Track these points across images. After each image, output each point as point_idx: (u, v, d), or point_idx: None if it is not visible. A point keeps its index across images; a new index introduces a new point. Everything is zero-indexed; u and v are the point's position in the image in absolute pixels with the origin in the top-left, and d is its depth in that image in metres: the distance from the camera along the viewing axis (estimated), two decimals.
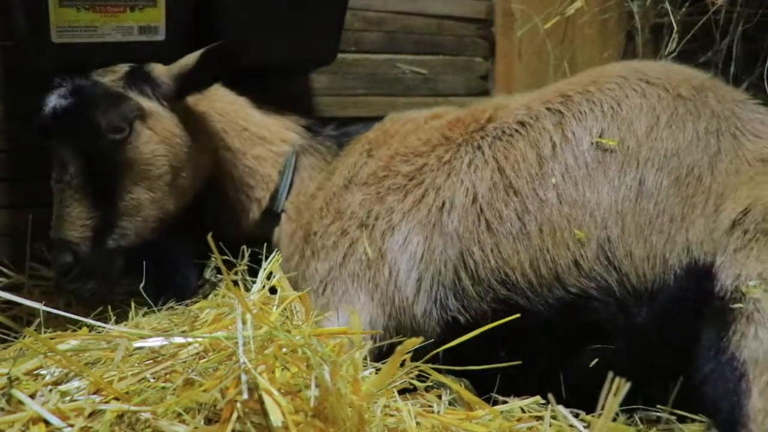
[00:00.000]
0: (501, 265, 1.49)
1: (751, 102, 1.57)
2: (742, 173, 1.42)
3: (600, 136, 1.49)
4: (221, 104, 1.86)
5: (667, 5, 2.32)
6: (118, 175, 1.63)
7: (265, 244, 1.75)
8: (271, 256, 1.53)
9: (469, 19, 2.51)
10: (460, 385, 1.37)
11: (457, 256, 1.53)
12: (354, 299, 1.63)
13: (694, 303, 1.36)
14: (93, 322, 1.33)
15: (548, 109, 1.59)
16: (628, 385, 1.05)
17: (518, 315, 1.38)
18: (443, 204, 1.59)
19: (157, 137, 1.67)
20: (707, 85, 1.56)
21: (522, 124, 1.61)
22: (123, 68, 1.71)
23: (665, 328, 1.40)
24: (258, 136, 1.87)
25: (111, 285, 1.70)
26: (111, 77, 1.70)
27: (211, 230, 1.57)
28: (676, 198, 1.42)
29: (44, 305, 1.33)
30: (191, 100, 1.79)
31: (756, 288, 1.25)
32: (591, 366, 1.41)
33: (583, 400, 1.43)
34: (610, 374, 1.07)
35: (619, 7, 2.57)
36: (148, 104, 1.68)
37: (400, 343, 1.35)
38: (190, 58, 1.68)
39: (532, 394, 1.44)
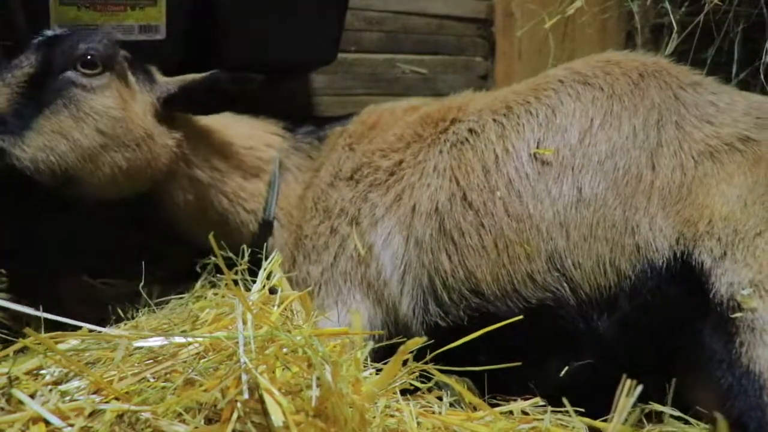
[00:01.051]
0: (468, 276, 1.50)
1: (709, 83, 1.53)
2: (688, 170, 1.39)
3: (537, 147, 1.50)
4: (203, 120, 1.79)
5: (667, 5, 2.32)
6: (61, 100, 1.54)
7: (266, 246, 1.75)
8: (272, 256, 1.53)
9: (469, 18, 2.52)
10: (463, 386, 1.37)
11: (430, 262, 1.54)
12: (349, 299, 1.63)
13: (660, 306, 1.37)
14: (92, 326, 1.32)
15: (494, 120, 1.60)
16: (641, 387, 1.05)
17: (521, 317, 1.38)
18: (414, 207, 1.60)
19: (120, 103, 1.60)
20: (650, 72, 1.53)
21: (472, 132, 1.61)
22: (131, 55, 1.68)
23: (630, 333, 1.40)
24: (244, 147, 1.83)
25: None
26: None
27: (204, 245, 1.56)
28: (615, 201, 1.41)
29: (41, 311, 1.33)
30: (184, 120, 1.74)
31: (750, 298, 1.25)
32: (561, 375, 1.43)
33: (571, 401, 1.44)
34: (624, 376, 1.07)
35: (619, 6, 2.57)
36: (132, 79, 1.65)
37: (401, 343, 1.35)
38: (197, 75, 1.66)
39: (522, 396, 1.45)
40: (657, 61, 1.59)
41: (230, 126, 1.85)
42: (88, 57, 1.56)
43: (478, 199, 1.51)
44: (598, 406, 1.43)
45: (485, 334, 1.34)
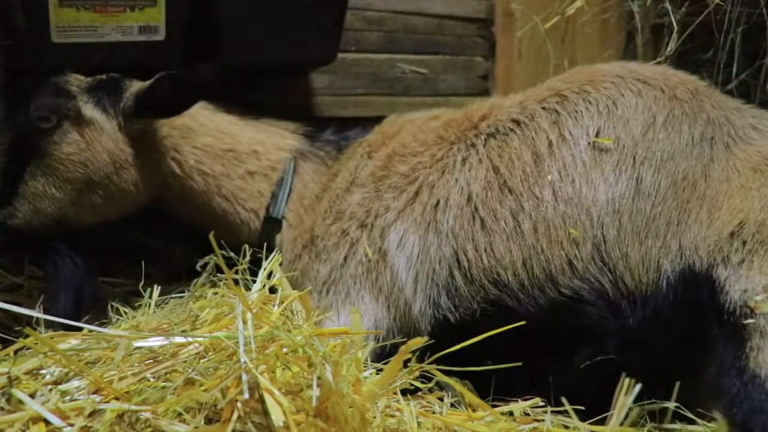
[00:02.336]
0: (494, 264, 1.48)
1: (746, 108, 1.57)
2: (732, 181, 1.41)
3: (596, 135, 1.49)
4: (201, 139, 1.81)
5: (667, 5, 2.32)
6: (32, 159, 1.65)
7: (266, 245, 1.74)
8: (272, 256, 1.53)
9: (470, 18, 2.51)
10: (464, 387, 1.37)
11: (451, 254, 1.52)
12: (357, 300, 1.62)
13: (689, 310, 1.36)
14: (92, 327, 1.33)
15: (544, 108, 1.59)
16: (639, 385, 1.04)
17: (524, 322, 1.37)
18: (437, 202, 1.58)
19: (83, 145, 1.66)
20: (702, 91, 1.56)
21: (517, 122, 1.60)
22: (104, 77, 1.72)
23: (657, 333, 1.39)
24: (247, 152, 1.85)
25: None
26: (81, 79, 1.70)
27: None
28: (673, 201, 1.41)
29: (41, 310, 1.34)
30: (163, 131, 1.76)
31: (764, 303, 1.24)
32: (581, 368, 1.41)
33: (573, 402, 1.44)
34: (623, 375, 1.07)
35: (619, 6, 2.57)
36: (93, 113, 1.67)
37: (402, 343, 1.35)
38: (145, 84, 1.67)
39: (523, 396, 1.44)
40: (704, 83, 1.62)
41: (234, 130, 1.87)
42: (40, 114, 1.63)
43: (522, 184, 1.50)
44: (604, 404, 1.43)
45: (495, 334, 1.34)
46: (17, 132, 1.66)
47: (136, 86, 1.71)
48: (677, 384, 1.37)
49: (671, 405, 1.34)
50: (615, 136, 1.48)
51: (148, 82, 1.67)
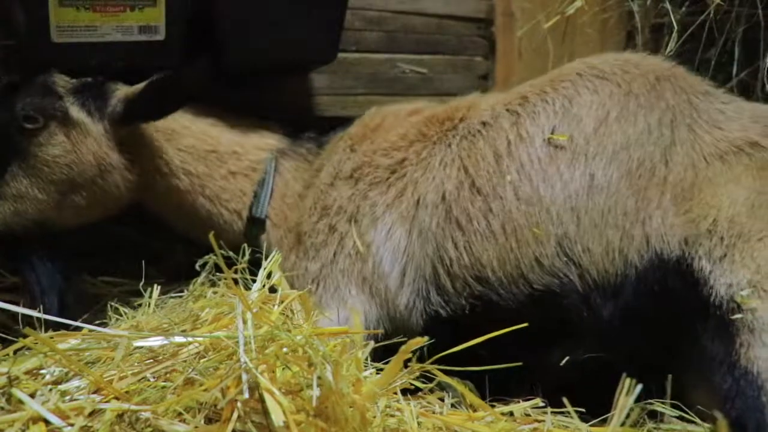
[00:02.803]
0: (474, 262, 1.51)
1: (718, 92, 1.57)
2: (699, 170, 1.42)
3: (552, 133, 1.52)
4: (185, 140, 1.81)
5: (667, 5, 2.32)
6: (14, 160, 1.60)
7: (249, 246, 1.74)
8: (271, 255, 1.53)
9: (470, 18, 2.51)
10: (466, 388, 1.37)
11: (434, 251, 1.56)
12: (345, 294, 1.64)
13: (660, 299, 1.38)
14: (92, 327, 1.33)
15: (507, 110, 1.63)
16: (641, 386, 1.05)
17: (526, 324, 1.37)
18: (419, 200, 1.62)
19: (69, 147, 1.63)
20: (666, 76, 1.56)
21: (484, 124, 1.65)
22: (89, 79, 1.70)
23: (632, 324, 1.41)
24: (228, 153, 1.85)
25: None
26: (66, 80, 1.68)
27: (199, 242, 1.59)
28: (628, 191, 1.43)
29: (41, 311, 1.34)
30: (146, 134, 1.76)
31: (750, 298, 1.25)
32: (561, 364, 1.44)
33: (570, 397, 1.44)
34: (624, 375, 1.07)
35: (619, 6, 2.57)
36: (79, 115, 1.65)
37: (400, 342, 1.35)
38: (139, 86, 1.66)
39: (516, 395, 1.46)
40: (673, 66, 1.62)
41: (216, 130, 1.86)
42: (26, 114, 1.60)
43: (487, 184, 1.54)
44: (597, 403, 1.43)
45: (486, 325, 1.35)
46: None
47: (122, 91, 1.69)
48: (669, 379, 1.38)
49: (669, 411, 1.34)
50: (569, 133, 1.51)
51: (137, 87, 1.66)
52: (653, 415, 1.43)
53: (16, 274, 1.80)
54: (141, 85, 1.66)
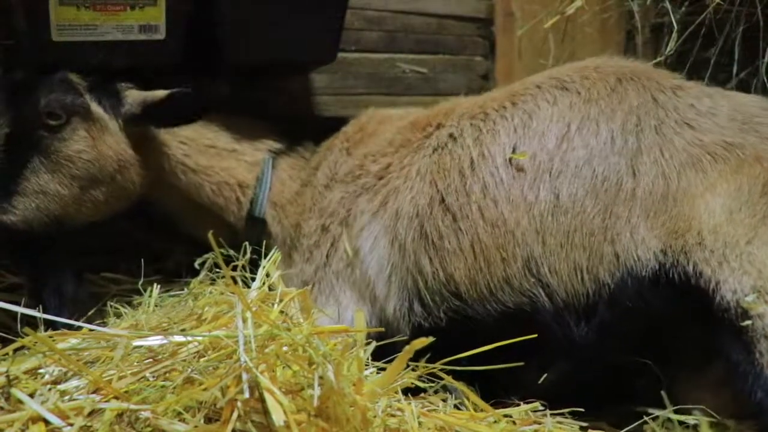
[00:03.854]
0: (448, 278, 1.50)
1: (691, 86, 1.51)
2: (671, 181, 1.36)
3: (513, 152, 1.49)
4: (184, 132, 1.83)
5: (667, 4, 2.32)
6: (35, 156, 1.61)
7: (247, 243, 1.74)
8: (271, 254, 1.53)
9: (470, 18, 2.51)
10: (471, 390, 1.37)
11: (413, 264, 1.54)
12: (341, 296, 1.64)
13: (639, 313, 1.35)
14: (91, 326, 1.33)
15: (471, 124, 1.60)
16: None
17: (535, 335, 1.36)
18: (397, 211, 1.60)
19: (91, 142, 1.66)
20: (628, 77, 1.51)
21: (451, 136, 1.62)
22: (103, 78, 1.72)
23: (609, 339, 1.39)
24: (227, 150, 1.87)
25: None
26: (81, 78, 1.70)
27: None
28: (594, 209, 1.39)
29: (40, 310, 1.34)
30: (152, 130, 1.78)
31: (756, 303, 1.24)
32: (540, 382, 1.42)
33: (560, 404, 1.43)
34: None
35: (619, 6, 2.57)
36: (99, 111, 1.68)
37: (402, 342, 1.34)
38: (159, 93, 1.68)
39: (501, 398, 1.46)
40: (635, 65, 1.58)
41: (216, 130, 1.88)
42: (51, 110, 1.61)
43: (455, 203, 1.51)
44: (584, 406, 1.43)
45: (466, 340, 1.34)
46: (15, 127, 1.63)
47: (137, 94, 1.72)
48: (665, 382, 1.38)
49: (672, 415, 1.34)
50: (531, 151, 1.47)
51: (157, 95, 1.68)
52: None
53: (17, 274, 1.80)
54: (161, 93, 1.68)
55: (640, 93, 1.47)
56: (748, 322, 1.23)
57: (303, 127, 2.02)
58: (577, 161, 1.42)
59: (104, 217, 1.78)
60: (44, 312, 1.46)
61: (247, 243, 1.61)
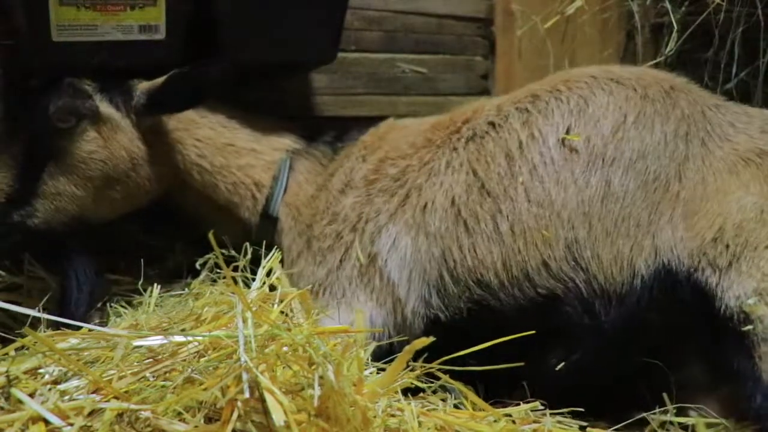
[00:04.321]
0: (477, 264, 1.50)
1: (727, 104, 1.57)
2: (708, 184, 1.41)
3: (567, 133, 1.50)
4: (201, 130, 1.84)
5: (667, 4, 2.32)
6: (51, 160, 1.66)
7: (264, 243, 1.74)
8: (271, 254, 1.53)
9: (469, 18, 2.51)
10: (469, 389, 1.37)
11: (440, 254, 1.54)
12: (353, 301, 1.63)
13: (667, 311, 1.37)
14: (91, 326, 1.33)
15: (517, 108, 1.61)
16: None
17: (533, 332, 1.36)
18: (426, 205, 1.60)
19: (101, 142, 1.69)
20: (679, 87, 1.56)
21: (492, 124, 1.62)
22: (116, 76, 1.73)
23: (633, 333, 1.40)
24: (246, 149, 1.88)
25: (1, 255, 1.72)
26: (92, 79, 1.72)
27: (223, 236, 1.62)
28: (642, 203, 1.41)
29: (40, 310, 1.34)
30: (169, 125, 1.80)
31: (757, 306, 1.24)
32: (557, 369, 1.42)
33: (565, 403, 1.44)
34: None
35: (619, 6, 2.57)
36: (109, 111, 1.70)
37: (403, 341, 1.34)
38: (160, 79, 1.70)
39: (503, 397, 1.46)
40: (685, 80, 1.63)
41: (235, 128, 1.89)
42: (60, 115, 1.64)
43: (498, 186, 1.52)
44: (589, 407, 1.43)
45: (482, 332, 1.34)
46: (30, 134, 1.67)
47: (145, 84, 1.73)
48: (673, 382, 1.38)
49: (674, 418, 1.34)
50: (585, 135, 1.48)
51: (160, 80, 1.69)
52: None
53: (17, 274, 1.80)
54: (162, 78, 1.69)
55: (690, 104, 1.52)
56: (750, 327, 1.23)
57: (323, 131, 2.02)
58: (632, 153, 1.45)
59: (125, 213, 1.81)
60: (68, 306, 1.59)
61: (247, 244, 1.61)
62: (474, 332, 1.38)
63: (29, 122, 1.68)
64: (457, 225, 1.54)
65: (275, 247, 1.77)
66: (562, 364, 1.43)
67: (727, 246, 1.32)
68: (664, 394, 1.39)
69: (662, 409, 1.40)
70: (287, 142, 1.94)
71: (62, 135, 1.66)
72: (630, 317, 1.39)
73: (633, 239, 1.39)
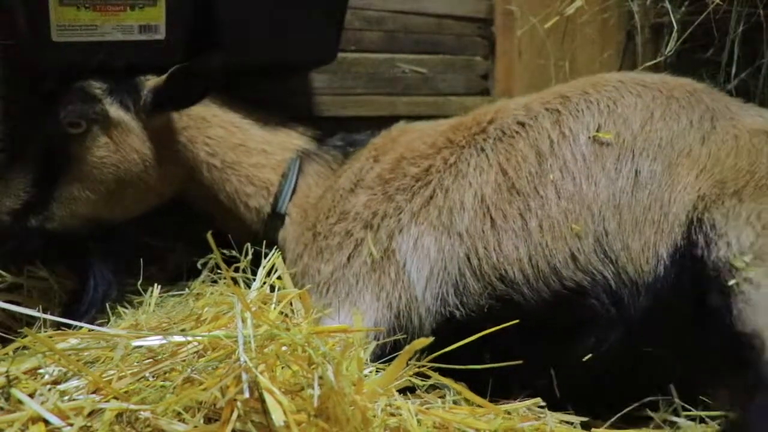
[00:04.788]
0: (502, 261, 1.51)
1: (747, 105, 1.62)
2: (740, 140, 1.47)
3: (597, 131, 1.54)
4: (213, 130, 1.85)
5: (667, 4, 2.32)
6: (64, 165, 1.69)
7: (264, 243, 1.74)
8: (271, 253, 1.52)
9: (469, 18, 2.51)
10: (463, 385, 1.37)
11: (465, 254, 1.56)
12: (358, 299, 1.63)
13: (685, 291, 1.37)
14: (91, 326, 1.33)
15: (546, 109, 1.64)
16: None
17: (517, 321, 1.38)
18: (453, 205, 1.61)
19: (113, 147, 1.70)
20: (701, 89, 1.62)
21: (521, 124, 1.65)
22: (124, 76, 1.75)
23: (660, 319, 1.40)
24: (257, 149, 1.89)
25: (20, 258, 1.74)
26: (101, 82, 1.73)
27: (228, 234, 1.64)
28: (666, 183, 1.45)
29: (40, 310, 1.34)
30: (180, 123, 1.80)
31: (751, 266, 1.26)
32: (584, 361, 1.43)
33: (576, 398, 1.45)
34: None
35: (619, 6, 2.57)
36: (119, 114, 1.71)
37: (402, 340, 1.34)
38: (164, 76, 1.70)
39: (519, 396, 1.45)
40: (705, 84, 1.68)
41: (247, 128, 1.90)
42: (70, 120, 1.66)
43: (528, 185, 1.55)
44: (598, 405, 1.43)
45: (499, 329, 1.35)
46: (45, 139, 1.70)
47: (152, 82, 1.74)
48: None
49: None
50: (615, 131, 1.53)
51: (163, 77, 1.70)
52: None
53: (17, 274, 1.80)
54: (165, 75, 1.70)
55: (713, 100, 1.58)
56: (734, 281, 1.25)
57: (333, 133, 2.02)
58: (660, 141, 1.50)
59: (141, 213, 1.83)
60: (79, 306, 1.62)
61: (248, 245, 1.61)
62: (490, 328, 1.37)
63: (44, 127, 1.70)
64: (485, 224, 1.56)
65: (275, 246, 1.77)
66: (590, 355, 1.43)
67: (729, 191, 1.36)
68: (671, 386, 1.39)
69: (665, 397, 1.39)
70: (298, 143, 1.94)
71: (74, 140, 1.68)
72: (657, 304, 1.40)
73: (657, 224, 1.42)
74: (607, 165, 1.50)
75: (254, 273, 1.51)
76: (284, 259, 1.73)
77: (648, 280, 1.40)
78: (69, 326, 1.39)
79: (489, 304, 1.51)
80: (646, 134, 1.51)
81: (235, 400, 1.01)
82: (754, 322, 1.23)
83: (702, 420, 1.37)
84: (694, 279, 1.36)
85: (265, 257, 1.52)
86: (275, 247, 1.74)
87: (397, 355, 1.18)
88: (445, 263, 1.57)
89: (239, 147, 1.86)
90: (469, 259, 1.55)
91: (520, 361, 1.35)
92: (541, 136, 1.60)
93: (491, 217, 1.55)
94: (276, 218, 1.86)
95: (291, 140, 1.94)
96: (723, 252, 1.31)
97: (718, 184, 1.40)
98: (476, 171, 1.63)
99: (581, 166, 1.52)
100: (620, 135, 1.52)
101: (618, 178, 1.48)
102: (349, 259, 1.68)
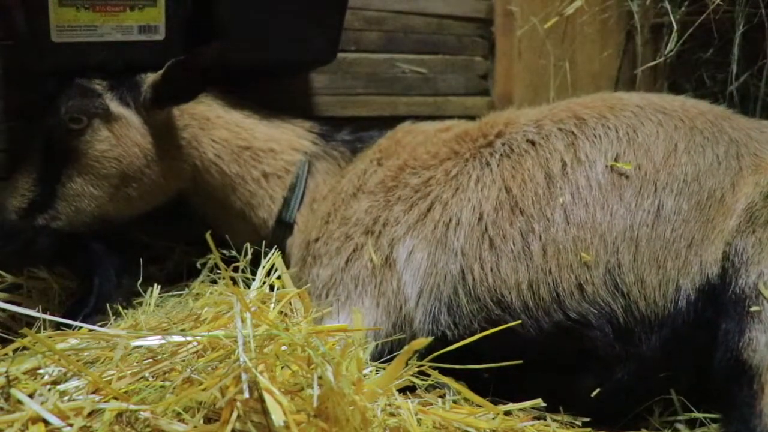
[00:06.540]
0: (498, 284, 1.46)
1: (764, 122, 1.58)
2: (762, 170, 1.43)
3: (615, 160, 1.48)
4: (218, 131, 1.84)
5: (667, 5, 2.32)
6: (67, 161, 1.68)
7: (263, 242, 1.74)
8: (271, 253, 1.52)
9: (469, 18, 2.51)
10: (463, 385, 1.36)
11: (458, 272, 1.51)
12: (357, 304, 1.61)
13: (710, 321, 1.33)
14: (90, 326, 1.33)
15: (560, 129, 1.58)
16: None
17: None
18: (450, 220, 1.57)
19: (114, 141, 1.70)
20: (722, 116, 1.57)
21: (531, 143, 1.59)
22: (124, 73, 1.74)
23: (677, 354, 1.37)
24: (264, 150, 1.87)
25: (28, 259, 1.74)
26: (102, 78, 1.73)
27: (232, 239, 1.65)
28: (697, 222, 1.39)
29: (40, 310, 1.34)
30: (181, 122, 1.79)
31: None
32: (591, 394, 1.39)
33: (582, 413, 1.43)
34: None
35: (619, 6, 2.57)
36: (119, 109, 1.71)
37: (402, 340, 1.34)
38: (158, 74, 1.70)
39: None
40: (723, 107, 1.64)
41: (252, 127, 1.88)
42: (71, 116, 1.67)
43: (533, 206, 1.48)
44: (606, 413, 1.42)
45: (493, 352, 1.33)
46: (47, 137, 1.70)
47: (151, 78, 1.74)
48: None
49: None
50: (635, 162, 1.46)
51: (160, 72, 1.70)
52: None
53: (17, 274, 1.80)
54: (161, 70, 1.70)
55: (735, 129, 1.52)
56: (757, 308, 1.22)
57: (340, 127, 2.01)
58: (686, 176, 1.44)
59: (145, 211, 1.82)
60: (82, 306, 1.61)
61: (248, 245, 1.61)
62: (485, 353, 1.35)
63: (44, 125, 1.70)
64: (482, 242, 1.50)
65: (275, 246, 1.77)
66: (597, 390, 1.39)
67: (761, 221, 1.32)
68: (672, 393, 1.38)
69: (666, 396, 1.38)
70: (306, 143, 1.92)
71: (75, 136, 1.68)
72: (672, 340, 1.36)
73: (683, 259, 1.36)
74: (625, 196, 1.43)
75: (254, 273, 1.51)
76: (288, 265, 1.72)
77: (663, 314, 1.35)
78: (69, 326, 1.39)
79: (483, 328, 1.43)
80: (669, 168, 1.44)
81: (235, 400, 1.01)
82: (761, 355, 1.21)
83: (702, 423, 1.37)
84: (715, 308, 1.32)
85: (264, 257, 1.52)
86: (275, 246, 1.74)
87: (396, 355, 1.18)
88: (436, 280, 1.53)
89: (245, 151, 1.84)
90: (464, 278, 1.50)
91: (517, 362, 1.33)
92: (552, 157, 1.53)
93: (489, 237, 1.50)
94: (285, 226, 1.85)
95: (299, 140, 1.92)
96: (753, 279, 1.27)
97: (748, 211, 1.36)
98: (477, 186, 1.58)
99: (596, 194, 1.45)
100: (641, 167, 1.46)
101: (638, 210, 1.41)
102: (347, 262, 1.66)
